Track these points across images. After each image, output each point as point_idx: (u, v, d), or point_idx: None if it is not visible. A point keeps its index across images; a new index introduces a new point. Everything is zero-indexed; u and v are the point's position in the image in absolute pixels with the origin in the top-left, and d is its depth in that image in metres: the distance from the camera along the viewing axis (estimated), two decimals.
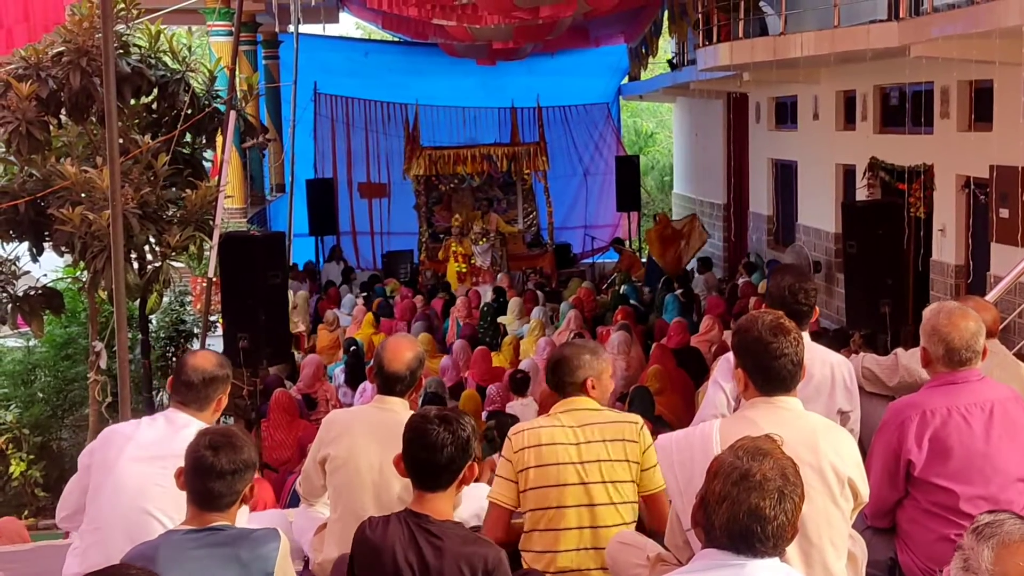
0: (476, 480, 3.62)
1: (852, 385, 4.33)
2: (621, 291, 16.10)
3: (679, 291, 15.04)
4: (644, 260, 19.59)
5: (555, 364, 4.12)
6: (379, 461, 4.04)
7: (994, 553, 2.24)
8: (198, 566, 3.13)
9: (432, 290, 17.49)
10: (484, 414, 9.54)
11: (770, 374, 3.35)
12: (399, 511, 3.41)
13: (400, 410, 4.10)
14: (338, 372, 11.71)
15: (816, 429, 3.33)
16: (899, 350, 5.06)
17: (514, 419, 7.82)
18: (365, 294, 17.20)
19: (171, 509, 3.87)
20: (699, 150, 21.69)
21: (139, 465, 3.94)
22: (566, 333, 12.45)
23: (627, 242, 21.62)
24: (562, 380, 4.08)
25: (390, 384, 4.16)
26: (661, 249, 18.20)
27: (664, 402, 9.35)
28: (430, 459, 3.31)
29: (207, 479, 3.23)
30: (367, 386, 10.37)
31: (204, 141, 10.85)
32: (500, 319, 14.26)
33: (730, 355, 4.44)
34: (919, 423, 3.84)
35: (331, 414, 4.35)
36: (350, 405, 10.24)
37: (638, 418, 4.10)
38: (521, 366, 10.76)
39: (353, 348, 12.40)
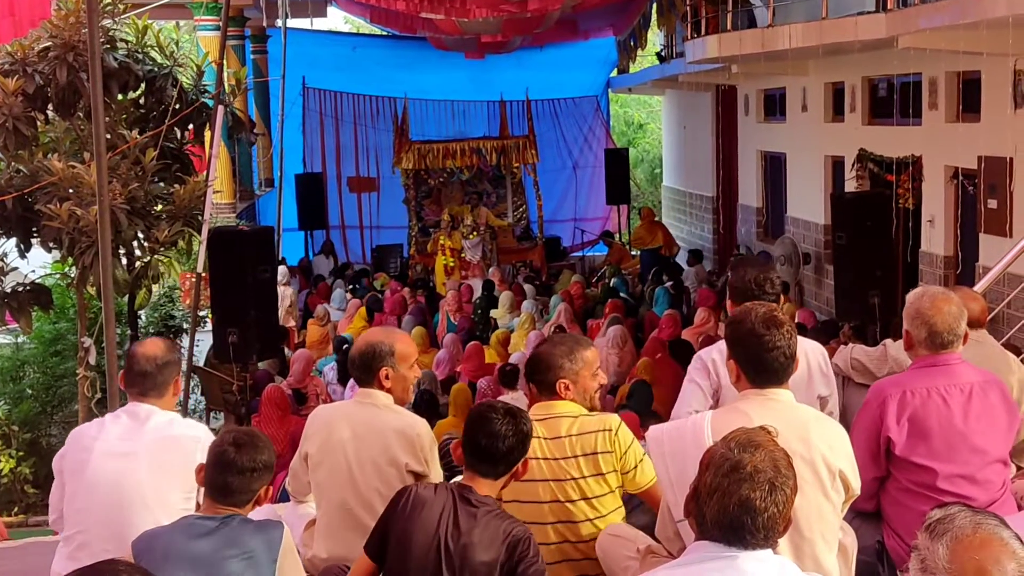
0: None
1: (828, 370, 4.40)
2: (612, 284, 16.12)
3: (669, 283, 15.06)
4: (635, 253, 19.64)
5: (530, 362, 4.12)
6: (359, 456, 4.05)
7: (949, 550, 2.19)
8: (208, 548, 3.25)
9: (415, 284, 17.50)
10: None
11: (762, 366, 3.37)
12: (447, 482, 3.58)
13: (382, 404, 4.12)
14: (327, 369, 11.69)
15: (808, 421, 3.35)
16: (888, 341, 5.10)
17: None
18: (352, 287, 17.19)
19: (151, 500, 3.92)
20: (688, 143, 21.70)
21: (111, 461, 3.97)
22: (554, 327, 12.47)
23: (616, 235, 21.63)
24: (535, 379, 4.07)
25: (362, 370, 4.17)
26: (650, 235, 18.35)
27: (656, 395, 9.36)
28: (492, 446, 3.46)
29: (227, 473, 3.35)
30: None
31: (192, 136, 10.83)
32: (491, 313, 14.26)
33: (705, 352, 4.50)
34: (899, 402, 3.90)
35: (315, 410, 4.35)
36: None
37: (613, 421, 3.97)
38: (512, 359, 10.76)
39: (345, 347, 12.39)
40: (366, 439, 4.03)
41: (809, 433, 3.30)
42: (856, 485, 3.36)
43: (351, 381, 10.82)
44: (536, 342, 11.30)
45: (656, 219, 19.18)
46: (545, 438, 3.92)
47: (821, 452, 3.28)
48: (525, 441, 3.51)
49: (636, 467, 3.95)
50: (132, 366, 4.11)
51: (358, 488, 4.04)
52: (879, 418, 3.92)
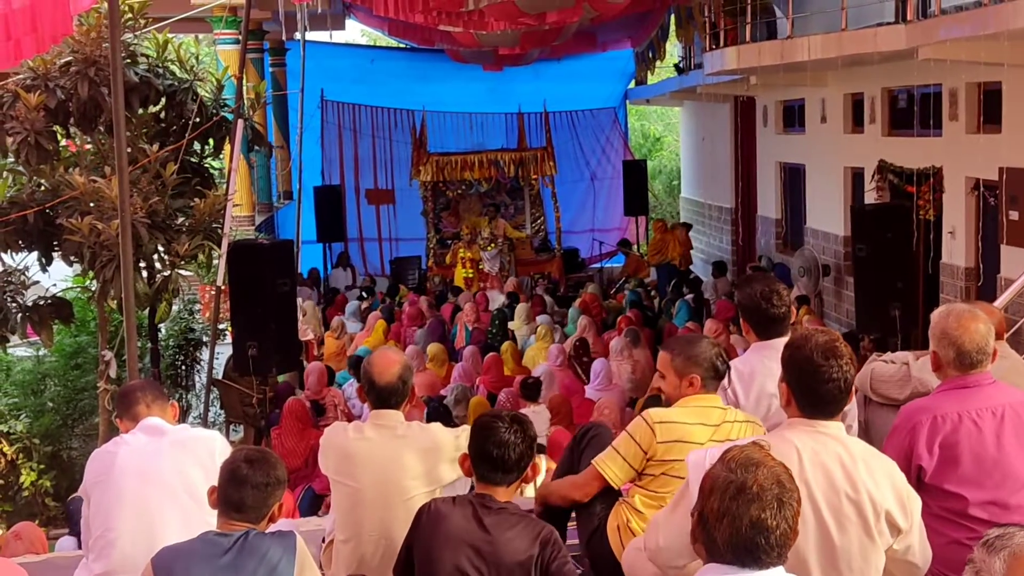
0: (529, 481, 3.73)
1: None
2: (629, 296, 16.08)
3: (689, 296, 15.04)
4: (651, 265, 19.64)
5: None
6: (382, 481, 4.07)
7: (1006, 565, 2.27)
8: (231, 563, 3.29)
9: (440, 295, 17.50)
10: None
11: (816, 398, 3.29)
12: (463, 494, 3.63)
13: (397, 424, 4.14)
14: (347, 385, 11.70)
15: (856, 457, 3.26)
16: (910, 359, 5.04)
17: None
18: (366, 297, 17.22)
19: (178, 487, 4.12)
20: (706, 154, 21.68)
21: (135, 463, 4.15)
22: (577, 340, 12.45)
23: (635, 246, 21.62)
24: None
25: (384, 398, 4.17)
26: (664, 246, 18.39)
27: None
28: (503, 455, 3.52)
29: (241, 488, 3.38)
30: None
31: (212, 150, 10.89)
32: (509, 324, 14.26)
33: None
34: (930, 428, 3.82)
35: (326, 435, 4.35)
36: (359, 417, 10.25)
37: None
38: (536, 372, 10.75)
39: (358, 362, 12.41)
40: (389, 465, 4.05)
41: (857, 470, 3.22)
42: (906, 525, 3.25)
43: None
44: (559, 357, 11.33)
45: (668, 227, 19.23)
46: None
47: (867, 490, 3.20)
48: (533, 446, 3.60)
49: None
50: (125, 396, 4.42)
51: (383, 517, 4.04)
52: (909, 445, 3.84)
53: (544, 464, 7.50)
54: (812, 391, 3.28)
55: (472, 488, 3.73)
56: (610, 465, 4.06)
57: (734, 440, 3.98)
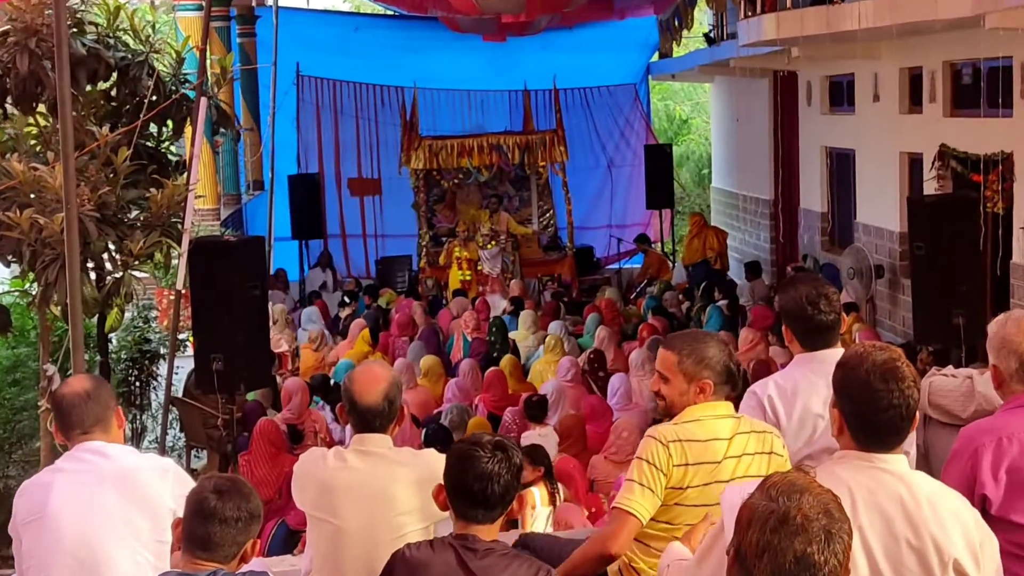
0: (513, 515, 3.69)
1: None
2: (650, 301, 16.08)
3: (722, 301, 15.03)
4: (673, 264, 19.63)
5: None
6: (368, 517, 4.06)
7: None
8: None
9: (434, 301, 17.50)
10: None
11: (873, 427, 3.27)
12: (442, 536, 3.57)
13: (386, 450, 4.14)
14: (318, 411, 11.69)
15: (920, 497, 3.22)
16: (974, 374, 5.04)
17: (534, 451, 7.80)
18: (348, 302, 17.22)
19: (123, 531, 4.06)
20: (741, 138, 21.67)
21: (74, 500, 4.09)
22: (593, 353, 12.44)
23: (657, 244, 21.59)
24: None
25: (367, 420, 4.17)
26: (704, 245, 18.41)
27: None
28: (485, 489, 3.47)
29: (208, 523, 3.35)
30: None
31: (171, 133, 10.89)
32: (512, 334, 14.24)
33: (760, 386, 4.54)
34: (994, 452, 3.82)
35: (301, 463, 4.34)
36: (341, 442, 10.24)
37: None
38: (543, 389, 10.74)
39: (333, 383, 12.39)
40: (375, 500, 4.05)
41: (920, 512, 3.19)
42: (978, 574, 3.20)
43: None
44: (571, 370, 11.32)
45: (707, 223, 19.25)
46: None
47: (932, 536, 3.16)
48: (519, 475, 3.56)
49: None
50: (62, 408, 4.27)
51: (368, 559, 4.03)
52: (971, 473, 3.83)
53: (537, 496, 7.48)
54: (869, 419, 3.26)
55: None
56: (636, 499, 3.99)
57: (750, 453, 4.04)
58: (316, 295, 18.17)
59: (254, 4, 18.75)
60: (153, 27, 10.65)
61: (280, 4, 18.30)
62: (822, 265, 16.42)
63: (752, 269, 17.42)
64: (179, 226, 10.01)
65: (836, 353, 4.38)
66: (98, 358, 11.57)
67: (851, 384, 3.31)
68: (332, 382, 12.47)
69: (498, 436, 3.60)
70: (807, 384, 4.41)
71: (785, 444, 4.19)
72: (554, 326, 13.88)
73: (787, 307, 4.44)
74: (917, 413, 3.32)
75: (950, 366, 5.26)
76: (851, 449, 3.32)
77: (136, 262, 9.96)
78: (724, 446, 4.04)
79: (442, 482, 3.64)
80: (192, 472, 4.43)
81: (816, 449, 4.37)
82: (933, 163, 12.67)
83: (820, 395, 4.34)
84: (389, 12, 22.99)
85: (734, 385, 4.20)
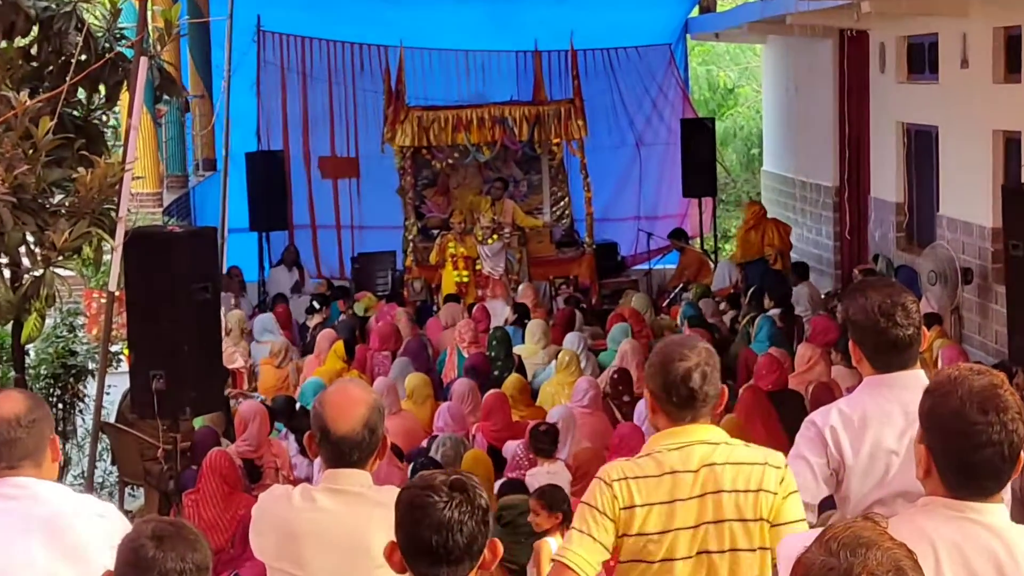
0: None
1: None
2: (687, 308, 16.06)
3: (775, 310, 15.00)
4: (715, 264, 19.59)
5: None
6: (342, 570, 4.09)
7: None
8: None
9: (423, 307, 17.46)
10: (497, 484, 9.51)
11: (966, 468, 3.26)
12: None
13: (363, 489, 4.15)
14: (282, 439, 11.68)
15: (1019, 557, 3.21)
16: None
17: (551, 493, 7.78)
18: (318, 309, 17.21)
19: None
20: (799, 111, 21.66)
21: None
22: (616, 373, 12.42)
23: (697, 240, 21.57)
24: None
25: (342, 453, 4.18)
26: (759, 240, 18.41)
27: None
28: (445, 542, 3.39)
29: None
30: None
31: (104, 100, 10.88)
32: (517, 349, 14.24)
33: (821, 415, 4.53)
34: None
35: (261, 503, 4.35)
36: (308, 479, 10.22)
37: None
38: (550, 416, 10.74)
39: (299, 407, 12.38)
40: (350, 552, 4.04)
41: (1018, 573, 3.18)
42: None
43: None
44: (588, 392, 11.30)
45: (766, 214, 19.28)
46: None
47: None
48: (486, 518, 3.48)
49: None
50: None
51: None
52: None
53: (554, 548, 7.46)
54: (962, 458, 3.24)
55: None
56: (573, 550, 4.09)
57: (730, 491, 4.08)
58: (281, 299, 18.14)
59: None
60: None
61: None
62: (897, 268, 16.39)
63: (798, 271, 17.40)
64: (112, 214, 9.99)
65: (914, 375, 4.37)
66: (12, 374, 11.57)
67: (942, 415, 3.29)
68: (298, 406, 12.46)
69: (455, 473, 3.54)
70: (879, 412, 4.41)
71: (853, 482, 4.18)
72: (569, 339, 13.87)
73: (856, 319, 4.43)
74: (1022, 452, 3.28)
75: None
76: (938, 495, 3.30)
77: (60, 257, 9.94)
78: (688, 482, 4.09)
79: (394, 538, 3.58)
80: (126, 515, 4.39)
81: (889, 493, 4.37)
82: None
83: (894, 426, 4.33)
84: None
85: (688, 407, 4.21)
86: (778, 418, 10.30)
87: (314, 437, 4.23)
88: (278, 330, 15.96)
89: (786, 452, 4.51)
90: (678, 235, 20.95)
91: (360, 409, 4.17)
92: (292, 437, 11.66)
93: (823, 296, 17.15)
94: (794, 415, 10.22)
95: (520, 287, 17.57)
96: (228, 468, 9.78)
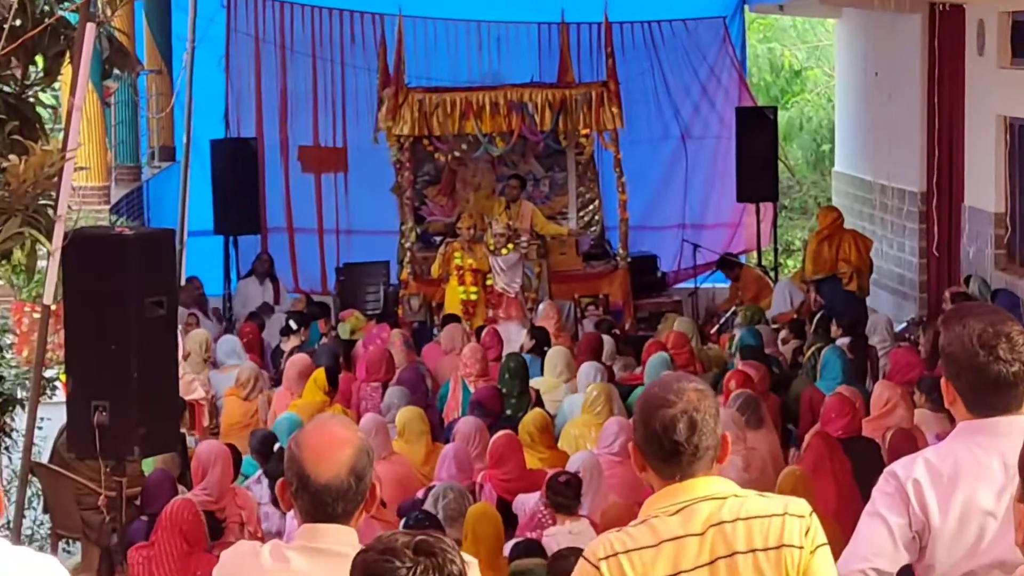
0: None
1: None
2: (735, 340, 16.01)
3: (844, 339, 14.97)
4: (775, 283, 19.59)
5: None
6: None
7: None
8: None
9: (421, 329, 17.45)
10: (508, 546, 9.49)
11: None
12: None
13: (345, 548, 4.11)
14: (254, 484, 11.69)
15: None
16: None
17: (563, 559, 7.77)
18: (295, 330, 17.20)
19: None
20: (879, 100, 21.65)
21: None
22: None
23: (751, 256, 21.54)
24: None
25: (322, 504, 4.18)
26: (835, 254, 18.35)
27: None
28: None
29: None
30: None
31: (42, 74, 10.91)
32: (534, 382, 14.21)
33: (904, 466, 4.52)
34: None
35: (223, 564, 4.37)
36: (280, 534, 10.20)
37: None
38: (571, 464, 10.72)
39: (276, 448, 12.38)
40: None
41: None
42: None
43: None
44: (619, 436, 11.26)
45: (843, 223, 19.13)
46: None
47: None
48: None
49: None
50: None
51: None
52: None
53: None
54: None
55: None
56: None
57: (745, 551, 4.08)
58: (251, 317, 18.13)
59: None
60: None
61: None
62: (994, 291, 16.37)
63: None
64: (50, 211, 10.02)
65: (1018, 422, 4.35)
66: None
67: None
68: (277, 446, 12.45)
69: (421, 534, 3.55)
70: (973, 465, 4.39)
71: (939, 549, 4.18)
72: (584, 370, 13.84)
73: (949, 351, 4.41)
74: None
75: None
76: None
77: None
78: (693, 548, 4.09)
79: None
80: None
81: (983, 563, 4.36)
82: None
83: (992, 482, 4.32)
84: None
85: (674, 463, 4.22)
86: (851, 471, 10.27)
87: (289, 485, 4.21)
88: (246, 355, 15.95)
89: (860, 511, 4.49)
90: (728, 265, 20.80)
91: (345, 451, 4.16)
92: (266, 482, 11.65)
93: (906, 324, 17.12)
94: (869, 467, 10.19)
95: (540, 307, 17.53)
96: (192, 523, 9.76)
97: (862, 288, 18.39)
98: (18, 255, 10.27)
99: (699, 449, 4.17)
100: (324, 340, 16.80)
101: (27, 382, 13.48)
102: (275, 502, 10.97)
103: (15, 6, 10.12)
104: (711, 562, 4.07)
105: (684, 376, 4.43)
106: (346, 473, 4.14)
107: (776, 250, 22.36)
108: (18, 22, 10.15)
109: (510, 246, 18.32)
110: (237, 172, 20.22)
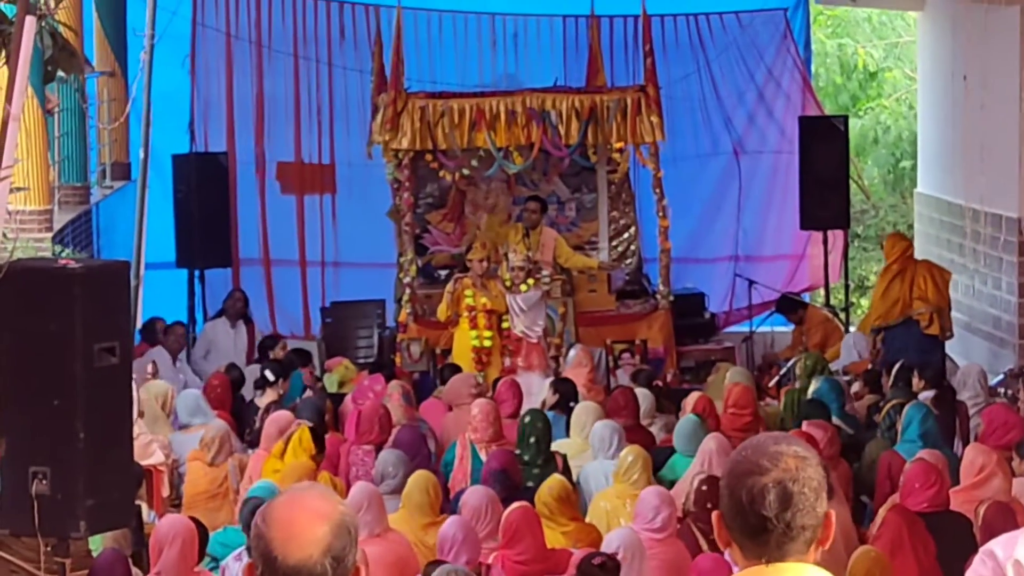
0: None
1: None
2: (811, 392, 16.00)
3: (927, 393, 14.96)
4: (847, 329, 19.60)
5: None
6: None
7: None
8: None
9: (423, 381, 17.48)
10: None
11: None
12: None
13: None
14: (232, 560, 11.71)
15: None
16: None
17: None
18: (272, 382, 17.21)
19: None
20: (970, 109, 21.68)
21: None
22: (697, 479, 12.42)
23: (818, 291, 21.55)
24: None
25: None
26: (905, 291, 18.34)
27: None
28: None
29: None
30: None
31: None
32: (558, 444, 14.22)
33: (1003, 544, 4.57)
34: None
35: None
36: None
37: None
38: (609, 543, 10.71)
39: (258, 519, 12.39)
40: None
41: None
42: None
43: None
44: (660, 510, 11.26)
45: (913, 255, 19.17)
46: None
47: None
48: None
49: None
50: None
51: None
52: None
53: None
54: None
55: None
56: None
57: None
58: (233, 370, 18.15)
59: None
60: None
61: None
62: None
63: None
64: None
65: None
66: None
67: None
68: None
69: None
70: None
71: None
72: (598, 429, 13.83)
73: None
74: None
75: None
76: None
77: None
78: None
79: None
80: None
81: None
82: None
83: None
84: None
85: (761, 542, 4.20)
86: (935, 552, 10.26)
87: (254, 568, 4.23)
88: (210, 410, 15.94)
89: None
90: (789, 305, 20.79)
91: (318, 528, 4.16)
92: (245, 557, 11.65)
93: (1003, 376, 17.11)
94: (958, 547, 10.21)
95: (571, 353, 17.49)
96: None
97: (944, 330, 18.31)
98: None
99: (791, 528, 4.18)
100: (308, 393, 16.76)
101: None
102: None
103: None
104: None
105: (785, 438, 4.40)
106: (319, 554, 4.14)
107: (847, 287, 22.39)
108: None
109: (530, 282, 18.31)
110: (204, 193, 20.30)
